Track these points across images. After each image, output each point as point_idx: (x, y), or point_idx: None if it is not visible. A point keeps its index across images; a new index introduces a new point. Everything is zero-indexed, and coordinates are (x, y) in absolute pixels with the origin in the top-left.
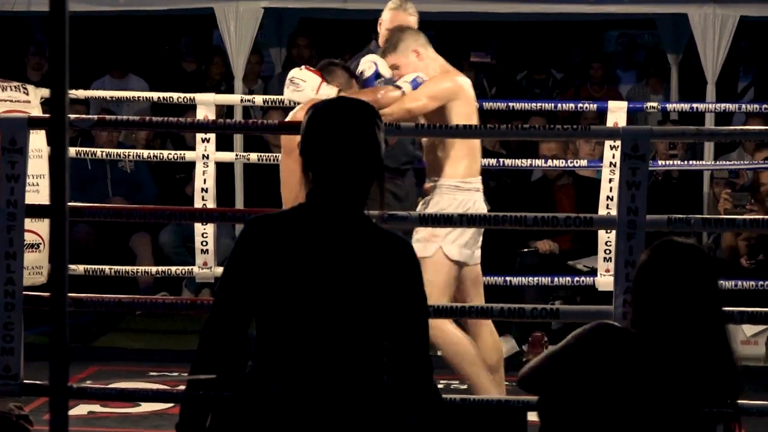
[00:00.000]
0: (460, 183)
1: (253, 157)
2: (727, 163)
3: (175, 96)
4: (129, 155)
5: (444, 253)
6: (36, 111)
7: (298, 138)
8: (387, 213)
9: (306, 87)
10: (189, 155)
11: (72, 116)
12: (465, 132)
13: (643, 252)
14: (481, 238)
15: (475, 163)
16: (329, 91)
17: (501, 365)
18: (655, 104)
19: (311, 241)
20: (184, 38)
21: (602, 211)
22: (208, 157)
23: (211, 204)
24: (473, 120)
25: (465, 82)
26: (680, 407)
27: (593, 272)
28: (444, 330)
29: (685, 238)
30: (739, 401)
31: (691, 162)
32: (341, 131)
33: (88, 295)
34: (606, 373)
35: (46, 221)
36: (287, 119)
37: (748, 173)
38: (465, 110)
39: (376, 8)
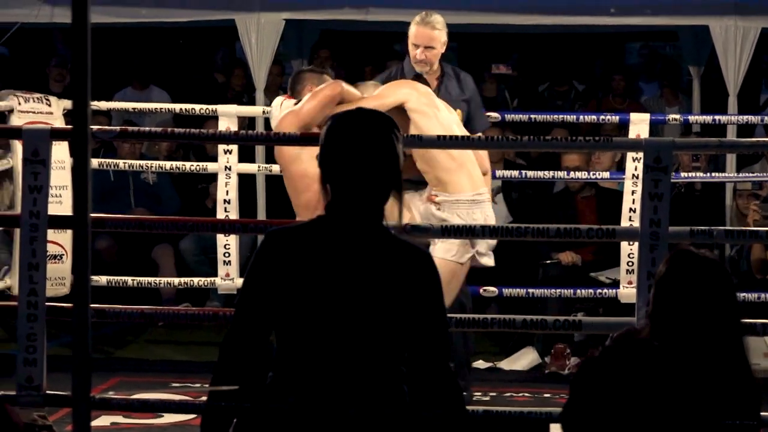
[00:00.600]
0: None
1: (276, 168)
2: (750, 175)
3: (197, 107)
4: (151, 167)
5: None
6: (59, 122)
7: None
8: (409, 224)
9: (274, 110)
10: (211, 166)
11: (94, 127)
12: (486, 144)
13: (661, 263)
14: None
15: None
16: (288, 104)
17: None
18: (677, 116)
19: (331, 252)
20: (221, 50)
21: (625, 223)
22: (230, 169)
23: (233, 215)
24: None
25: (421, 88)
26: (701, 419)
27: (616, 284)
28: None
29: (702, 250)
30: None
31: (713, 174)
32: (360, 143)
33: (111, 306)
34: (631, 388)
35: (69, 232)
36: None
37: None
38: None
39: (398, 20)
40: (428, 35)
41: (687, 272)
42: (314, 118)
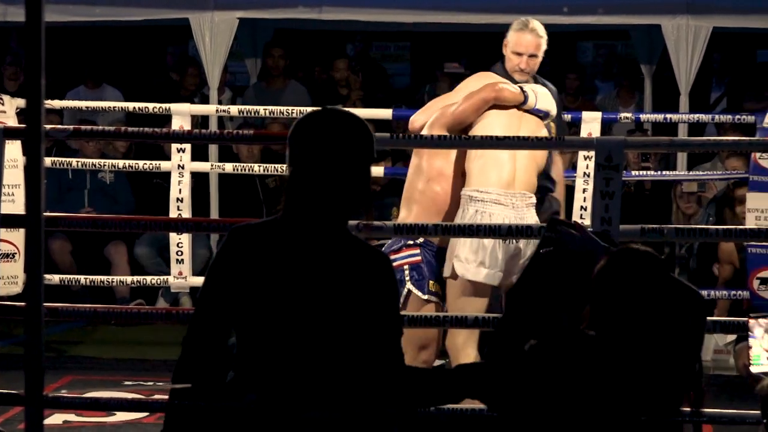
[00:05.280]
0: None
1: (228, 167)
2: (699, 173)
3: (150, 106)
4: (104, 166)
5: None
6: (11, 121)
7: None
8: (362, 223)
9: None
10: (164, 165)
11: (47, 126)
12: (438, 143)
13: (602, 258)
14: (501, 259)
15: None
16: None
17: None
18: (629, 115)
19: (292, 251)
20: (171, 48)
21: None
22: (183, 167)
23: (186, 214)
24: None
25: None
26: (640, 406)
27: None
28: (469, 355)
29: (642, 246)
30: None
31: (663, 172)
32: (326, 143)
33: (64, 304)
34: (569, 378)
35: (22, 231)
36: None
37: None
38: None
39: (351, 19)
40: (530, 43)
41: (624, 265)
42: (467, 119)
